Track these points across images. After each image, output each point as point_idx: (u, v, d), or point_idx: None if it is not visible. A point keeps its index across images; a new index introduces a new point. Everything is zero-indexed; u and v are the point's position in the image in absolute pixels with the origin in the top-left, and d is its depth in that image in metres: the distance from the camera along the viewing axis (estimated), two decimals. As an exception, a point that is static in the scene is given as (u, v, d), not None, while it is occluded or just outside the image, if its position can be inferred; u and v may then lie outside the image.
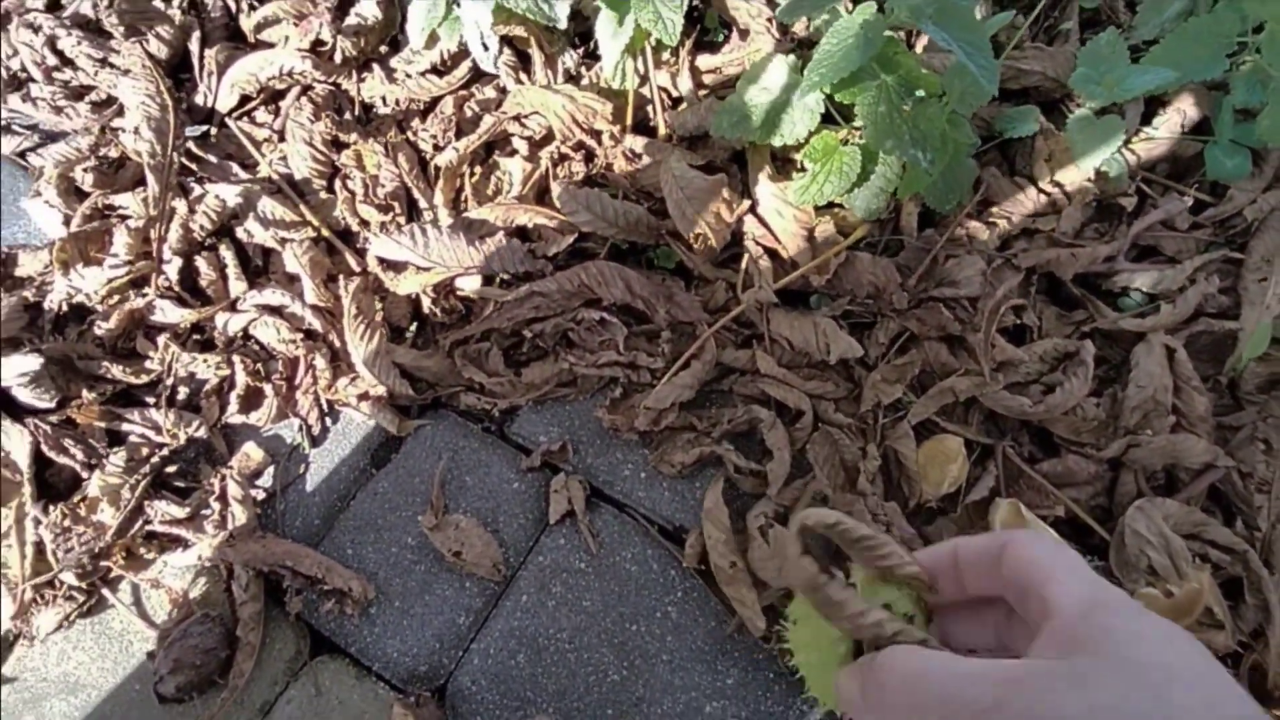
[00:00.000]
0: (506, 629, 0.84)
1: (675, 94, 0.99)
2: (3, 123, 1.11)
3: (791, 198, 0.88)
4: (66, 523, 0.83)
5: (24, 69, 1.12)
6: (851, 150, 0.84)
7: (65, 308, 0.95)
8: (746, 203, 0.89)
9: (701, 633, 0.83)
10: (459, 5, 0.96)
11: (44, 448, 0.85)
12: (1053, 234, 0.92)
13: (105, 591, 0.84)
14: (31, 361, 0.83)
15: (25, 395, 0.85)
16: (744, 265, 0.90)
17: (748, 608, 0.78)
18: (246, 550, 0.83)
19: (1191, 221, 0.92)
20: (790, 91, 0.82)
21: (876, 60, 0.77)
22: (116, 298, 0.94)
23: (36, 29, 1.11)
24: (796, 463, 0.86)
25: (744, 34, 0.98)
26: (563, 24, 0.86)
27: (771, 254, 0.91)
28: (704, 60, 0.99)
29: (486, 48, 0.94)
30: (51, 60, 1.10)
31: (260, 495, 0.89)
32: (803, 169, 0.87)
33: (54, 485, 0.87)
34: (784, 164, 0.93)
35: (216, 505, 0.87)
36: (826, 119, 0.88)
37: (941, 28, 0.69)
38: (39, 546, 0.83)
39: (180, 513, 0.86)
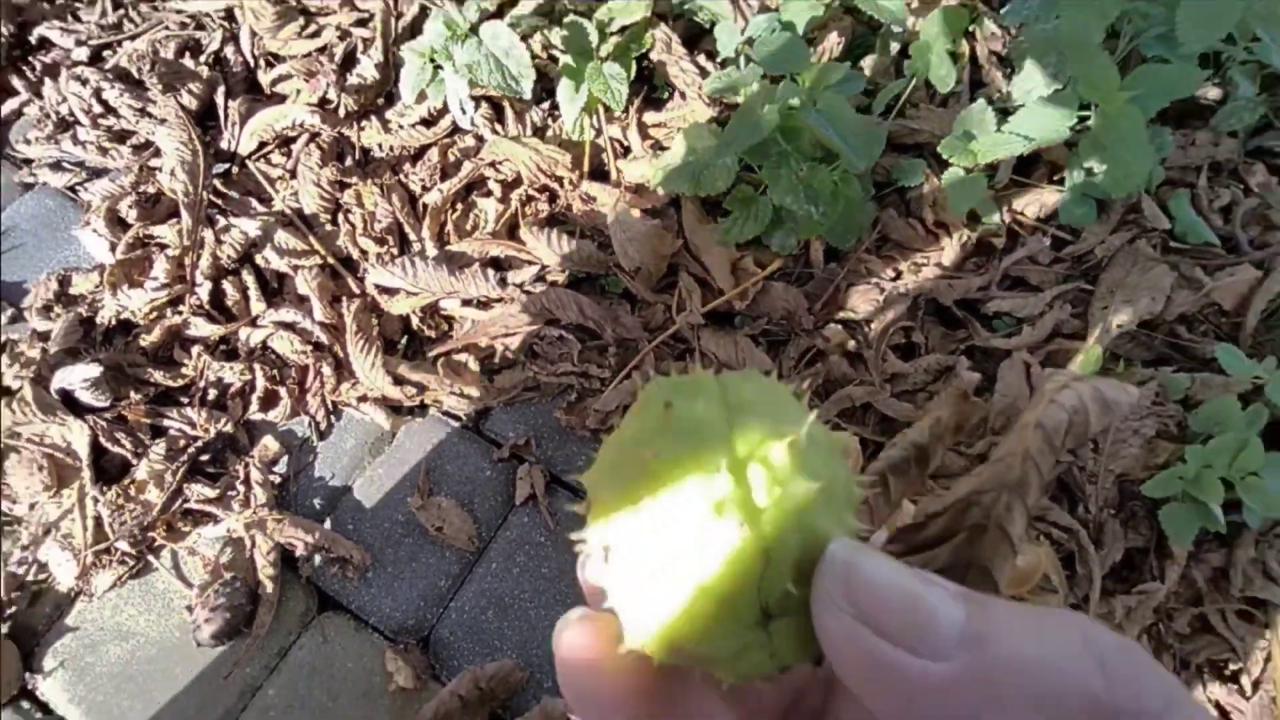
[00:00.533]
0: (479, 590, 1.02)
1: (626, 144, 1.17)
2: (55, 160, 1.29)
3: (717, 237, 1.06)
4: (120, 501, 1.02)
5: (72, 114, 1.30)
6: (765, 199, 1.03)
7: (114, 322, 1.13)
8: (679, 241, 1.08)
9: (637, 594, 1.01)
10: (443, 70, 1.14)
11: (100, 439, 1.04)
12: (937, 267, 1.11)
13: (151, 557, 1.03)
14: (92, 369, 1.02)
15: (85, 396, 1.04)
16: (678, 292, 1.09)
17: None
18: (266, 525, 1.02)
19: (1053, 257, 1.11)
20: (711, 153, 1.00)
21: (778, 130, 0.95)
22: (157, 315, 1.13)
23: (84, 81, 1.29)
24: (718, 456, 1.05)
25: (684, 95, 1.16)
26: (528, 95, 1.05)
27: (701, 283, 1.09)
28: (650, 116, 1.17)
29: (464, 111, 1.12)
30: (97, 109, 1.28)
31: (277, 479, 1.08)
32: (726, 213, 1.06)
33: (108, 470, 1.05)
34: (712, 208, 1.11)
35: (241, 488, 1.06)
36: (747, 168, 1.06)
37: (823, 115, 0.88)
38: (98, 520, 1.02)
39: (211, 493, 1.05)
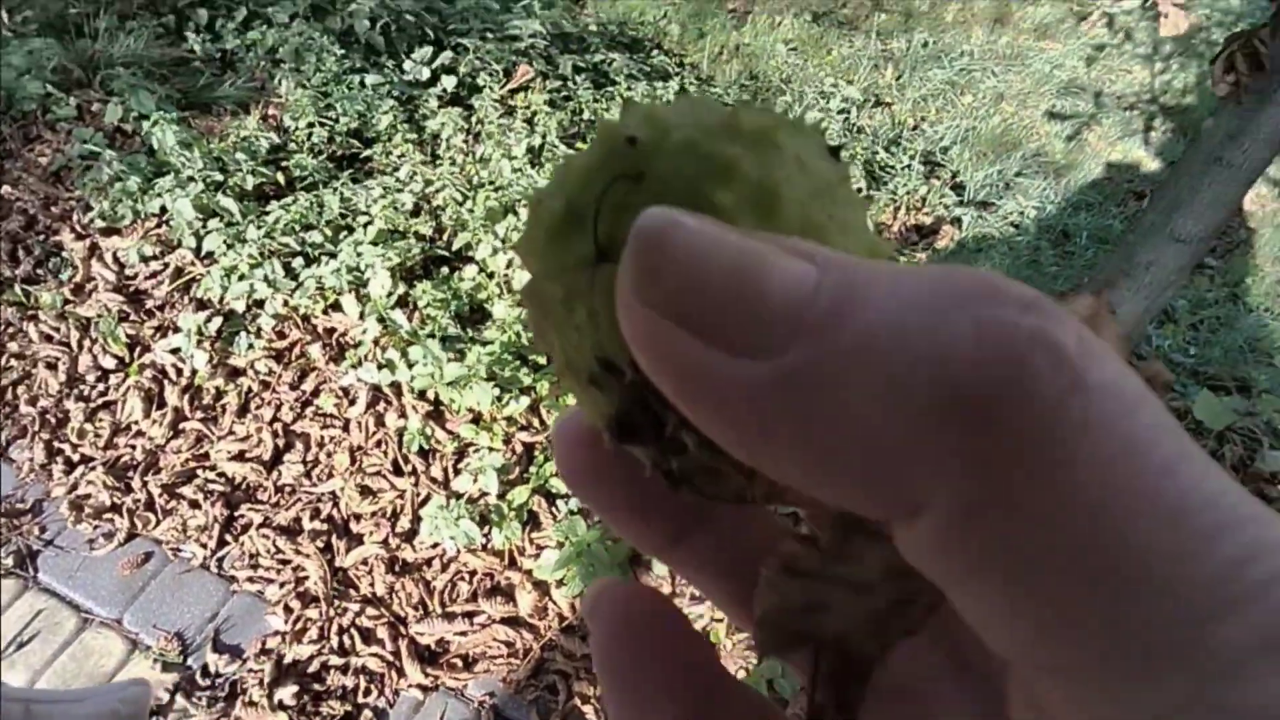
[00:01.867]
0: (467, 772, 2.30)
1: (523, 548, 2.62)
2: (249, 576, 2.67)
3: (563, 593, 2.49)
4: (305, 748, 2.30)
5: (258, 551, 2.71)
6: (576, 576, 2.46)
7: (294, 660, 2.46)
8: (545, 597, 2.50)
9: None
10: (440, 526, 2.60)
11: (296, 714, 2.33)
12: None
13: (318, 775, 2.29)
14: (293, 688, 2.34)
15: (288, 700, 2.35)
16: (548, 620, 2.49)
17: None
18: (371, 752, 2.30)
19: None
20: (553, 564, 2.45)
21: (576, 551, 2.41)
22: (313, 656, 2.46)
23: (265, 536, 2.71)
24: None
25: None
26: (480, 540, 2.51)
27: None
28: (535, 534, 2.63)
29: (449, 547, 2.58)
30: (272, 549, 2.69)
31: (372, 730, 2.37)
32: (563, 584, 2.49)
33: (297, 735, 2.34)
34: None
35: (357, 736, 2.34)
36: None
37: (598, 552, 2.35)
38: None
39: (344, 740, 2.33)
